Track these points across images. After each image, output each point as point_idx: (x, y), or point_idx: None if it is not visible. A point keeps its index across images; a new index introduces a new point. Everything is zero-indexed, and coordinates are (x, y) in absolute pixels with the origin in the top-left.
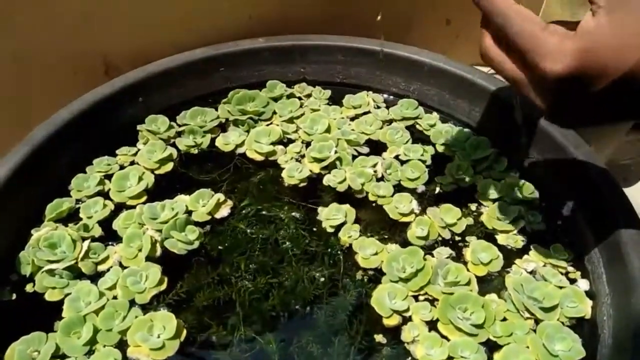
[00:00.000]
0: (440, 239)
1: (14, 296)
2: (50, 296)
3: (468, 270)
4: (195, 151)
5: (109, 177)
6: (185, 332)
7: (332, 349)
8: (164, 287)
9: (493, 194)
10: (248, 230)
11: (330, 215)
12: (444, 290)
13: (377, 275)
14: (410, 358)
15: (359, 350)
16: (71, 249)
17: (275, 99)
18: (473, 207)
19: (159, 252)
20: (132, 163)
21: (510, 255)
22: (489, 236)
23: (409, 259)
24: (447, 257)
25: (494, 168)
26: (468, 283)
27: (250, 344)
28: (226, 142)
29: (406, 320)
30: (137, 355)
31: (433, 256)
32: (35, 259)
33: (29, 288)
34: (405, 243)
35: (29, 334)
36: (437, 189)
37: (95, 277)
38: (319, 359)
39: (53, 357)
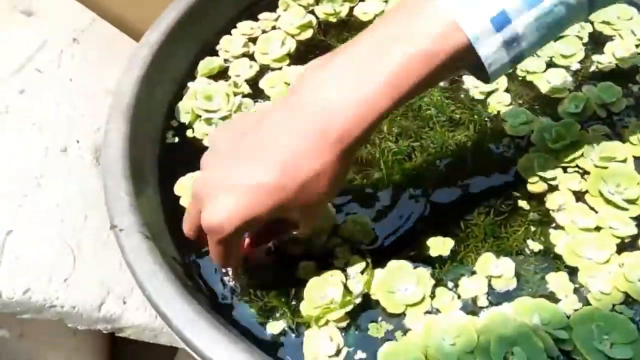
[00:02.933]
0: (595, 116)
1: (177, 139)
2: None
3: (625, 149)
4: (333, 20)
5: (252, 40)
6: None
7: (473, 207)
8: None
9: None
10: None
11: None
12: (597, 164)
13: (525, 145)
14: (554, 225)
15: (500, 213)
16: (225, 101)
17: None
18: (634, 88)
19: None
20: (274, 28)
21: None
22: None
23: (562, 131)
24: (602, 135)
25: None
26: (624, 161)
27: (393, 198)
28: (365, 11)
29: (552, 189)
30: None
31: (587, 131)
32: (195, 108)
33: (189, 134)
34: (556, 118)
35: (194, 172)
36: (594, 68)
37: None
38: (459, 216)
39: None
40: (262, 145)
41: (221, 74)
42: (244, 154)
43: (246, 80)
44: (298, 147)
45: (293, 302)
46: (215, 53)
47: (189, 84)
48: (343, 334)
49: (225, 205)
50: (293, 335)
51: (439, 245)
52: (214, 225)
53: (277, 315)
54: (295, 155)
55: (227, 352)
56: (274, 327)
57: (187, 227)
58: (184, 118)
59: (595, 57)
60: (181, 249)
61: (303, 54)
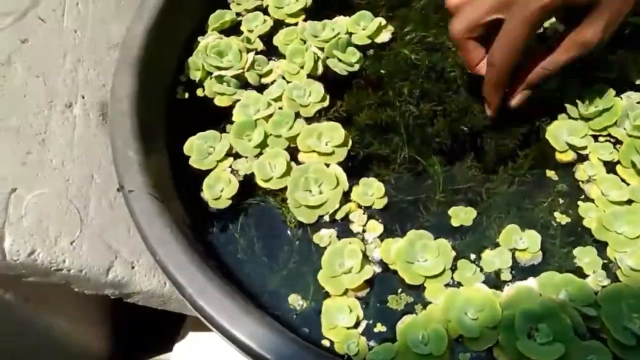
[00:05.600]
0: (630, 82)
1: (187, 96)
2: (220, 102)
3: None
4: None
5: None
6: (350, 142)
7: (497, 176)
8: (326, 103)
9: None
10: (412, 56)
11: None
12: (631, 133)
13: (555, 110)
14: (583, 197)
15: (526, 182)
16: (237, 58)
17: None
18: None
19: (320, 70)
20: None
21: None
22: None
23: (595, 96)
24: (638, 102)
25: None
26: None
27: (413, 164)
28: None
29: (582, 158)
30: (308, 159)
31: (621, 99)
32: (205, 65)
33: (199, 92)
34: (589, 83)
35: (204, 131)
36: (629, 30)
37: (259, 89)
38: (482, 184)
39: (227, 155)
40: None
41: (233, 29)
42: None
43: (259, 36)
44: None
45: (311, 271)
46: (227, 6)
47: (199, 39)
48: (363, 306)
49: None
50: (310, 304)
51: (461, 215)
52: None
53: (294, 283)
54: None
55: (242, 321)
56: (290, 296)
57: (471, 17)
58: (194, 75)
59: (632, 19)
60: (191, 212)
61: (320, 8)
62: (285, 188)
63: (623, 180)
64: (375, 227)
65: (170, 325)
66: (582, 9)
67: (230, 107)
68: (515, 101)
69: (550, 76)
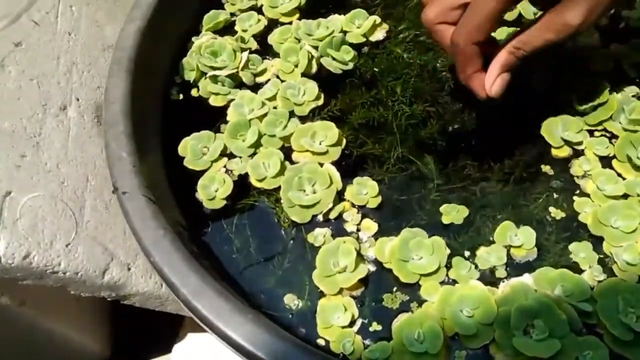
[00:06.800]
0: (625, 76)
1: (181, 97)
2: (214, 101)
3: None
4: None
5: None
6: (344, 141)
7: (492, 174)
8: (320, 102)
9: None
10: (405, 55)
11: None
12: (626, 127)
13: (550, 106)
14: (579, 192)
15: (521, 179)
16: (232, 58)
17: None
18: None
19: (314, 69)
20: None
21: None
22: None
23: (590, 91)
24: (633, 96)
25: None
26: None
27: (407, 163)
28: None
29: (578, 153)
30: (302, 158)
31: (617, 93)
32: (199, 65)
33: (194, 92)
34: (584, 78)
35: (198, 132)
36: (623, 24)
37: (254, 88)
38: (476, 182)
39: (221, 155)
40: None
41: (227, 29)
42: None
43: (253, 36)
44: None
45: (306, 270)
46: (221, 6)
47: (194, 39)
48: (358, 305)
49: None
50: (306, 304)
51: (452, 213)
52: None
53: (289, 283)
54: None
55: (237, 321)
56: (285, 295)
57: (443, 2)
58: (189, 75)
59: (625, 13)
60: (186, 212)
61: (314, 7)
62: (280, 188)
63: (619, 175)
64: (370, 226)
65: (169, 326)
66: None
67: (225, 107)
68: (495, 89)
69: (527, 58)
